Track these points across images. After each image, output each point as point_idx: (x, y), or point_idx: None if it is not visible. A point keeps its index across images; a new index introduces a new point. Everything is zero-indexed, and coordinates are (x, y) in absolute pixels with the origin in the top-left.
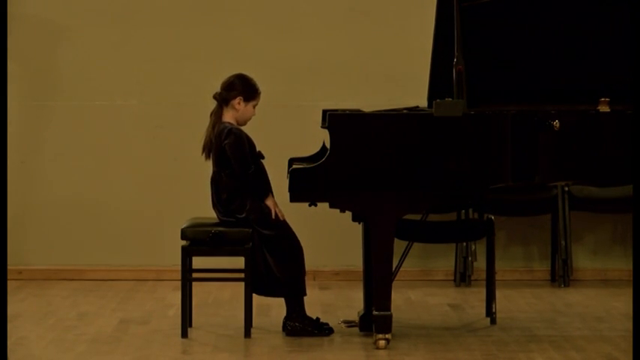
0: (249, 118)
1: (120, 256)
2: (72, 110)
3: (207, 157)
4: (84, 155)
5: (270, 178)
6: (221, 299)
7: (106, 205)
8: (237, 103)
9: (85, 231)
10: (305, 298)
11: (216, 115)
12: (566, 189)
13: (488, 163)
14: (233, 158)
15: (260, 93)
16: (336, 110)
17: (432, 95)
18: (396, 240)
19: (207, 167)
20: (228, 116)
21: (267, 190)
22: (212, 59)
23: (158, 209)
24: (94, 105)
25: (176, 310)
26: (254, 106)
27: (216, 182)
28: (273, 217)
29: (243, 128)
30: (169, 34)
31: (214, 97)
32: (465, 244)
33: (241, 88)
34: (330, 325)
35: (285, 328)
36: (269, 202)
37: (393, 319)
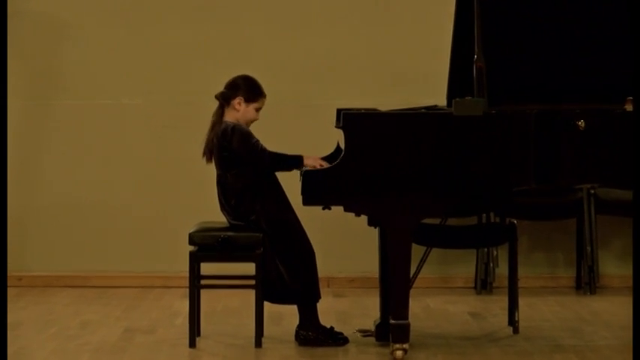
0: (251, 122)
1: (125, 262)
2: (75, 109)
3: (209, 159)
4: (87, 156)
5: (281, 182)
6: (231, 307)
7: (110, 208)
8: (238, 103)
9: (88, 235)
10: (319, 306)
11: (217, 115)
12: (592, 192)
13: (510, 164)
14: (246, 153)
15: (264, 96)
16: (351, 109)
17: (451, 93)
18: (413, 245)
19: (215, 170)
20: (229, 117)
21: (294, 157)
22: (221, 57)
23: (165, 213)
24: (98, 104)
25: (183, 319)
26: (257, 110)
27: (222, 185)
28: (318, 165)
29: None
30: (177, 31)
31: (216, 96)
32: (486, 249)
33: (243, 88)
34: (345, 334)
35: (297, 337)
36: (309, 162)
37: (411, 328)
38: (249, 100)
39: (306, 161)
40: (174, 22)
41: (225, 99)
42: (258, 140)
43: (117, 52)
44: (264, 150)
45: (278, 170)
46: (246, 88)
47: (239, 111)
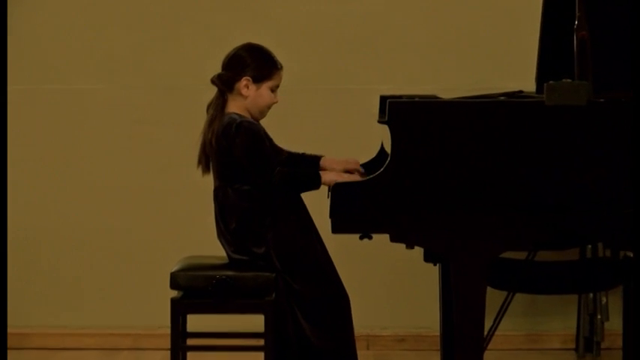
0: (267, 107)
1: (80, 314)
2: (15, 97)
3: (206, 169)
4: (30, 162)
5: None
6: None
7: (60, 236)
8: (244, 86)
9: (27, 276)
10: None
11: (216, 107)
12: None
13: (625, 174)
14: (250, 163)
15: (280, 69)
16: (401, 97)
17: (542, 75)
18: (489, 290)
19: (210, 181)
20: (235, 106)
21: (312, 177)
22: (217, 23)
23: (137, 243)
24: (45, 90)
25: None
26: (272, 89)
27: (220, 202)
28: (340, 179)
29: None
30: None
31: (212, 81)
32: (591, 295)
33: (250, 63)
34: None
35: None
36: (328, 177)
37: None
38: (259, 78)
39: (324, 178)
40: None
41: (225, 83)
42: (270, 149)
43: (70, 20)
44: (272, 165)
45: (289, 193)
46: (255, 63)
47: (247, 97)
